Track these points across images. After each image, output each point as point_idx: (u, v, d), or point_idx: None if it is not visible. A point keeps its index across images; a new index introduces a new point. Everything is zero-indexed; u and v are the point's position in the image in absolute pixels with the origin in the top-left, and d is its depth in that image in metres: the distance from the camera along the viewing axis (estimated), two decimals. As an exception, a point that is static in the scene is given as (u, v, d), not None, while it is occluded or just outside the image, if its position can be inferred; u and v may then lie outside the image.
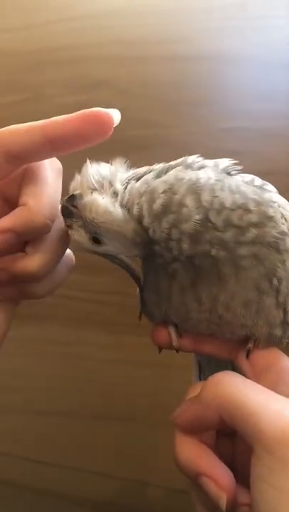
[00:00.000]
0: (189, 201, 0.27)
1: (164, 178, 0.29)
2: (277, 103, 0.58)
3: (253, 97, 0.59)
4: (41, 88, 0.68)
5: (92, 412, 0.70)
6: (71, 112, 0.73)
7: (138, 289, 0.35)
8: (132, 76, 0.64)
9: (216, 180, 0.28)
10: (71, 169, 0.31)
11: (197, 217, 0.27)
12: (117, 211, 0.29)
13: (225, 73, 0.60)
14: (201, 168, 0.29)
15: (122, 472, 0.68)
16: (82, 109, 0.72)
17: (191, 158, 0.30)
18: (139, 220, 0.28)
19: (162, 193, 0.28)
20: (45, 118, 0.77)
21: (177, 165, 0.30)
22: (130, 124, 0.64)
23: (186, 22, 0.61)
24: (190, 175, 0.28)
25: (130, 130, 0.63)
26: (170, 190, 0.28)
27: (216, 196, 0.27)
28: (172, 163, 0.30)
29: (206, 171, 0.29)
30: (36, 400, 0.73)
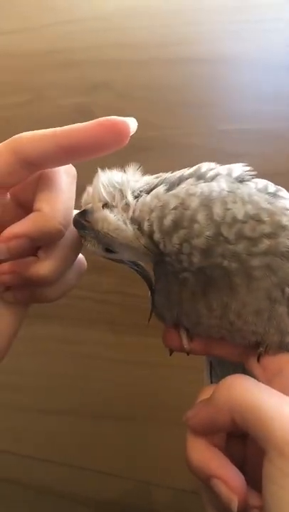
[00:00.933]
0: (201, 217, 0.27)
1: (176, 191, 0.28)
2: (278, 105, 0.58)
3: (253, 99, 0.59)
4: (42, 90, 0.68)
5: (94, 411, 0.71)
6: (71, 114, 0.73)
7: (149, 292, 0.35)
8: (132, 78, 0.64)
9: (228, 191, 0.28)
10: (84, 171, 0.31)
11: (208, 233, 0.27)
12: (128, 228, 0.29)
13: (225, 75, 0.60)
14: (214, 178, 0.29)
15: (125, 471, 0.69)
16: (83, 111, 0.72)
17: (204, 167, 0.30)
18: (150, 235, 0.28)
19: (173, 208, 0.27)
20: (46, 120, 0.78)
21: (190, 175, 0.29)
22: (131, 125, 0.64)
23: (186, 24, 0.61)
24: (202, 188, 0.28)
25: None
26: (181, 206, 0.27)
27: (229, 209, 0.27)
28: (185, 172, 0.30)
29: (219, 182, 0.28)
30: (38, 398, 0.74)
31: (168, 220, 0.27)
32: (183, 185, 0.28)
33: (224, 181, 0.28)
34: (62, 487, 0.72)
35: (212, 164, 0.30)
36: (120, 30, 0.65)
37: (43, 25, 0.68)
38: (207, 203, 0.27)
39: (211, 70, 0.61)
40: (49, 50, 0.68)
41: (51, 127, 0.78)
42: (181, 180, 0.29)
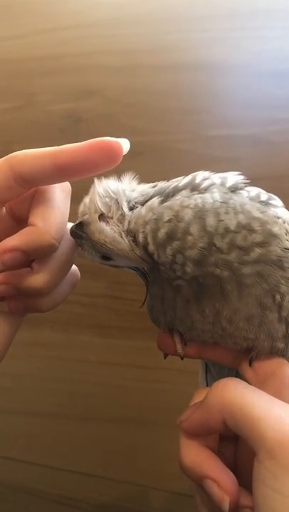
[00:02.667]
0: (194, 229, 0.28)
1: (170, 203, 0.29)
2: (266, 110, 0.59)
3: (241, 105, 0.60)
4: (33, 96, 0.69)
5: (84, 414, 0.71)
6: (61, 119, 0.74)
7: (146, 287, 0.36)
8: (122, 85, 0.65)
9: (221, 202, 0.28)
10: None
11: (201, 244, 0.28)
12: (124, 240, 0.30)
13: (214, 82, 0.61)
14: (207, 189, 0.29)
15: (119, 474, 0.69)
16: (73, 116, 0.73)
17: (199, 177, 0.30)
18: (145, 246, 0.29)
19: (167, 221, 0.28)
20: (37, 125, 0.78)
21: (185, 186, 0.30)
22: (120, 131, 0.65)
23: (176, 31, 0.62)
24: (196, 200, 0.29)
25: (120, 137, 0.63)
26: (175, 218, 0.28)
27: (221, 220, 0.28)
28: (181, 183, 0.30)
29: (213, 193, 0.29)
30: (27, 401, 0.74)
31: (162, 233, 0.28)
32: (178, 197, 0.29)
33: (217, 192, 0.29)
34: (56, 491, 0.72)
35: (206, 173, 0.31)
36: (110, 37, 0.65)
37: (33, 31, 0.68)
38: (200, 215, 0.28)
39: (199, 76, 0.61)
40: (40, 57, 0.68)
41: (42, 132, 0.79)
42: (175, 191, 0.30)
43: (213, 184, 0.30)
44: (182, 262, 0.28)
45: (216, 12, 0.60)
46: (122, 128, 0.65)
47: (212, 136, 0.61)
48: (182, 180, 0.30)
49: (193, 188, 0.29)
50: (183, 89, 0.62)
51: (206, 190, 0.29)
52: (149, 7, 0.63)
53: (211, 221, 0.28)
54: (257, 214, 0.29)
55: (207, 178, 0.30)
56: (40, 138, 0.68)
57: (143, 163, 0.62)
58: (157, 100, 0.63)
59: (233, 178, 0.31)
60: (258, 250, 0.28)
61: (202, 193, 0.29)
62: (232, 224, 0.28)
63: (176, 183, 0.30)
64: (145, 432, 0.67)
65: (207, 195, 0.29)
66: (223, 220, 0.28)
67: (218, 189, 0.29)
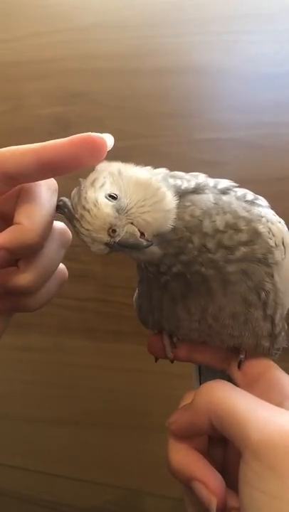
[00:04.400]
0: (195, 238, 0.28)
1: (180, 213, 0.29)
2: (254, 114, 0.59)
3: (230, 109, 0.60)
4: (22, 100, 0.68)
5: (74, 418, 0.70)
6: (50, 123, 0.73)
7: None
8: (111, 88, 0.65)
9: (214, 203, 0.29)
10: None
11: (196, 253, 0.28)
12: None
13: (203, 86, 0.61)
14: (203, 189, 0.30)
15: (113, 479, 0.69)
16: (62, 120, 0.72)
17: (201, 179, 0.31)
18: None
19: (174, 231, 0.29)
20: (26, 128, 0.77)
21: (193, 191, 0.30)
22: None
23: (165, 36, 0.62)
24: (201, 206, 0.29)
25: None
26: (185, 230, 0.29)
27: (213, 221, 0.29)
28: (190, 185, 0.30)
29: (207, 194, 0.30)
30: (17, 406, 0.73)
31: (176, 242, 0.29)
32: (187, 203, 0.29)
33: (210, 193, 0.30)
34: (48, 496, 0.72)
35: (203, 176, 0.32)
36: (99, 41, 0.65)
37: (22, 35, 0.68)
38: (200, 218, 0.29)
39: (188, 80, 0.62)
40: (28, 61, 0.68)
41: (31, 136, 0.78)
42: (185, 193, 0.30)
43: (207, 185, 0.30)
44: (172, 263, 0.29)
45: (203, 17, 0.61)
46: (110, 132, 0.64)
47: (200, 140, 0.61)
48: (190, 182, 0.31)
49: (198, 190, 0.30)
50: (171, 93, 0.63)
51: (202, 191, 0.30)
52: (137, 12, 0.63)
53: (206, 223, 0.28)
54: (243, 213, 0.29)
55: (203, 184, 0.31)
56: (29, 142, 0.67)
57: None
58: (146, 104, 0.64)
59: (225, 183, 0.32)
60: (242, 249, 0.29)
61: (200, 193, 0.30)
62: (221, 225, 0.29)
63: (186, 184, 0.30)
64: (136, 436, 0.67)
65: (204, 197, 0.30)
66: (214, 221, 0.29)
67: (210, 190, 0.30)
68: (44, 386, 0.71)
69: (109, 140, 0.27)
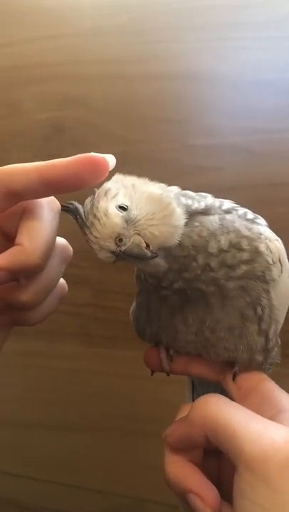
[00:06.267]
0: (200, 258, 0.29)
1: (189, 232, 0.30)
2: (247, 120, 0.60)
3: (223, 115, 0.61)
4: (17, 104, 0.69)
5: (71, 424, 0.70)
6: (46, 128, 0.73)
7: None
8: (106, 94, 0.65)
9: (219, 224, 0.31)
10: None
11: (199, 271, 0.29)
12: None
13: (198, 91, 0.62)
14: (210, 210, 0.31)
15: (109, 486, 0.68)
16: (57, 125, 0.72)
17: (210, 201, 0.32)
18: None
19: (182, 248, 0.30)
20: (22, 133, 0.77)
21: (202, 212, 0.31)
22: (105, 140, 0.65)
23: (160, 41, 0.63)
24: (208, 227, 0.30)
25: (105, 147, 0.64)
26: (191, 248, 0.30)
27: (218, 241, 0.30)
28: (200, 206, 0.31)
29: (213, 215, 0.31)
30: (13, 412, 0.73)
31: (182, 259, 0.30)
32: (196, 224, 0.30)
33: (216, 214, 0.31)
34: (45, 504, 0.71)
35: (210, 197, 0.33)
36: (94, 47, 0.66)
37: (18, 41, 0.69)
38: (207, 238, 0.30)
39: (182, 86, 0.62)
40: (24, 66, 0.68)
41: (26, 141, 0.79)
42: (194, 213, 0.31)
43: (213, 206, 0.32)
44: (174, 279, 0.30)
45: (199, 22, 0.61)
46: (105, 137, 0.65)
47: (195, 146, 0.62)
48: (200, 203, 0.31)
49: (206, 211, 0.31)
50: (166, 98, 0.63)
51: (210, 212, 0.31)
52: (133, 17, 0.64)
53: (212, 244, 0.30)
54: (245, 232, 0.31)
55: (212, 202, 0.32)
56: (25, 146, 0.68)
57: (126, 172, 0.62)
58: (140, 110, 0.64)
59: (229, 203, 0.33)
60: (243, 267, 0.30)
61: (208, 214, 0.31)
62: (225, 245, 0.30)
63: (196, 205, 0.31)
64: (133, 441, 0.66)
65: (211, 218, 0.31)
66: (219, 241, 0.30)
67: (216, 211, 0.31)
68: (39, 391, 0.71)
69: (111, 160, 0.28)
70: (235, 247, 0.30)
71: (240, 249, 0.30)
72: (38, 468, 0.72)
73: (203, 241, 0.30)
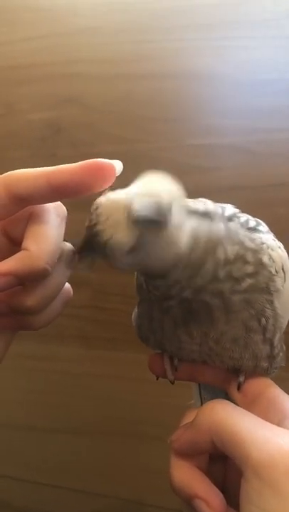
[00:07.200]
0: (209, 264, 0.29)
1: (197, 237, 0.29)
2: (244, 119, 0.59)
3: (220, 114, 0.60)
4: (13, 105, 0.68)
5: (69, 426, 0.70)
6: (41, 128, 0.73)
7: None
8: (101, 93, 0.65)
9: (225, 232, 0.30)
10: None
11: (210, 277, 0.29)
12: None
13: (195, 91, 0.61)
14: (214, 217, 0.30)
15: (113, 490, 0.68)
16: (52, 125, 0.72)
17: (212, 212, 0.30)
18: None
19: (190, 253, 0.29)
20: (17, 133, 0.77)
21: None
22: (100, 140, 0.65)
23: (156, 41, 0.62)
24: (215, 232, 0.29)
25: (100, 146, 0.63)
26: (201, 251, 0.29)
27: (225, 250, 0.29)
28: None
29: (219, 223, 0.30)
30: (11, 414, 0.73)
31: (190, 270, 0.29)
32: (204, 227, 0.29)
33: (221, 222, 0.30)
34: (42, 507, 0.71)
35: (210, 202, 0.31)
36: (90, 46, 0.65)
37: (13, 40, 0.68)
38: (214, 246, 0.29)
39: (179, 85, 0.62)
40: (20, 65, 0.68)
41: (22, 141, 0.78)
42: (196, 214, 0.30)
43: (217, 213, 0.30)
44: (183, 286, 0.29)
45: (196, 22, 0.61)
46: (101, 137, 0.65)
47: (192, 145, 0.62)
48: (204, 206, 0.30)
49: (210, 216, 0.30)
50: (162, 98, 0.63)
51: (214, 218, 0.30)
52: (129, 17, 0.63)
53: (220, 250, 0.29)
54: (249, 244, 0.30)
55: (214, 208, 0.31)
56: (21, 147, 0.68)
57: (123, 172, 0.62)
58: (137, 109, 0.64)
59: (231, 209, 0.32)
60: (248, 281, 0.30)
61: (213, 220, 0.30)
62: (231, 255, 0.29)
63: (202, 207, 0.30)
64: (134, 445, 0.66)
65: (216, 225, 0.29)
66: (226, 250, 0.29)
67: (220, 219, 0.30)
68: (39, 394, 0.71)
69: (117, 166, 0.28)
70: (241, 259, 0.30)
71: (245, 261, 0.30)
72: (38, 471, 0.72)
73: (212, 245, 0.29)
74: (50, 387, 0.70)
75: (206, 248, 0.29)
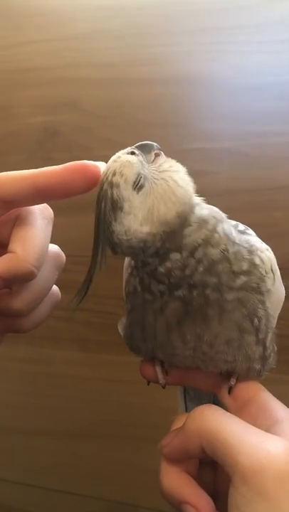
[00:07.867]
0: (220, 230, 0.30)
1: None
2: (241, 124, 0.60)
3: (219, 119, 0.60)
4: (11, 108, 0.68)
5: (64, 429, 0.70)
6: (39, 132, 0.73)
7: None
8: (99, 98, 0.65)
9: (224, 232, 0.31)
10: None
11: (224, 246, 0.30)
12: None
13: (193, 95, 0.62)
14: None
15: (108, 493, 0.68)
16: (51, 129, 0.72)
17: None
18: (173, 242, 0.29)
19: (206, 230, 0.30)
20: (14, 137, 0.77)
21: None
22: (97, 144, 0.65)
23: (154, 45, 0.63)
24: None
25: (97, 150, 0.64)
26: (212, 230, 0.30)
27: (225, 245, 0.30)
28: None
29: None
30: (4, 418, 0.72)
31: (200, 252, 0.29)
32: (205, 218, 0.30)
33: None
34: (40, 510, 0.71)
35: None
36: (87, 51, 0.65)
37: (11, 44, 0.68)
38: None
39: (177, 90, 0.62)
40: (18, 69, 0.68)
41: (19, 145, 0.78)
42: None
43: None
44: (200, 258, 0.29)
45: (192, 27, 0.61)
46: (98, 141, 0.65)
47: (189, 150, 0.62)
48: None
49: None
50: (161, 102, 0.63)
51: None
52: (127, 21, 0.64)
53: (222, 241, 0.30)
54: (245, 245, 0.31)
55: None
56: (18, 150, 0.68)
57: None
58: (135, 114, 0.64)
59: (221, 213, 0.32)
60: (243, 278, 0.30)
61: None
62: (229, 250, 0.30)
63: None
64: (130, 448, 0.66)
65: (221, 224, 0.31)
66: (226, 245, 0.30)
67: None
68: (33, 397, 0.71)
69: (102, 167, 0.28)
70: (239, 254, 0.30)
71: (242, 257, 0.30)
72: (35, 475, 0.71)
73: (215, 235, 0.30)
74: (45, 390, 0.70)
75: (208, 239, 0.29)
